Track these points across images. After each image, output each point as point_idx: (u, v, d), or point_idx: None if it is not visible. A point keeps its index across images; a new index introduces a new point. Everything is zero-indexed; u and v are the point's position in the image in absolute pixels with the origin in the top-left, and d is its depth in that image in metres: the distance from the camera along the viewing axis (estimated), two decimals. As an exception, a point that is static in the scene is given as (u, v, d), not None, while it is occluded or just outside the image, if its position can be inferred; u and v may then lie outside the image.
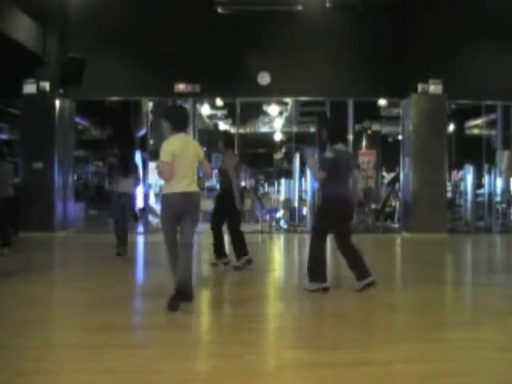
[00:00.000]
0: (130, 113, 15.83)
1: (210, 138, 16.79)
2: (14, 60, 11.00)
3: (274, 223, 13.24)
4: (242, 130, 15.09)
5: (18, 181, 11.53)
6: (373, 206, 13.54)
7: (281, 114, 17.26)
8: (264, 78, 12.19)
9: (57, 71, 11.74)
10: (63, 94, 11.98)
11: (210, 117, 17.42)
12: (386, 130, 16.55)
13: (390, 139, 17.00)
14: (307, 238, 7.49)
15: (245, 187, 17.24)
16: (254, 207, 14.46)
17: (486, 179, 13.77)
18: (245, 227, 12.66)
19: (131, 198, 8.80)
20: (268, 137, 19.45)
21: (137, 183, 8.76)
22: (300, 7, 11.99)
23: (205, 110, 16.07)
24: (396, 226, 13.34)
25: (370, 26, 12.14)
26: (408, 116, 12.10)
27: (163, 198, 5.11)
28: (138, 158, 14.95)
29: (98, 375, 3.38)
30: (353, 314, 5.13)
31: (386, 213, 13.61)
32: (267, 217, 13.40)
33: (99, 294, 5.76)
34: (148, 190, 13.67)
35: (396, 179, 14.67)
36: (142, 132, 15.37)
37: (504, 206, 13.64)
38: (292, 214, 13.60)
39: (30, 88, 11.63)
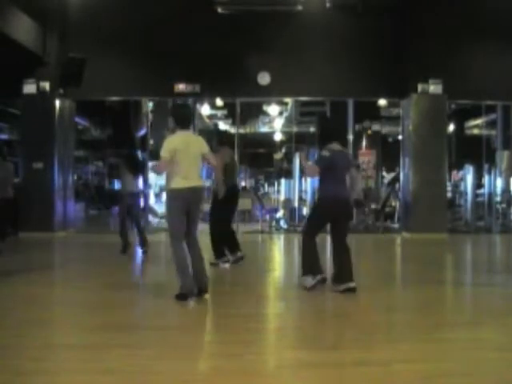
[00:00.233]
0: (130, 113, 15.84)
1: (210, 138, 16.77)
2: (14, 60, 11.00)
3: (273, 223, 13.24)
4: (242, 130, 15.09)
5: (17, 181, 11.54)
6: (373, 206, 13.55)
7: (281, 114, 17.27)
8: (264, 78, 12.19)
9: (57, 71, 11.74)
10: (63, 94, 11.98)
11: (210, 117, 17.41)
12: (385, 130, 16.55)
13: (390, 139, 16.99)
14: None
15: (245, 187, 17.30)
16: (254, 207, 14.47)
17: (486, 179, 13.77)
18: (245, 227, 12.79)
19: (140, 197, 8.89)
20: (268, 137, 19.45)
21: (145, 182, 8.87)
22: (300, 7, 11.99)
23: (205, 110, 16.07)
24: (396, 225, 13.34)
25: (370, 26, 12.14)
26: (408, 116, 12.10)
27: (171, 193, 5.34)
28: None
29: (98, 375, 3.38)
30: (353, 313, 5.13)
31: (385, 213, 13.60)
32: (267, 217, 13.41)
33: (99, 294, 5.76)
34: (148, 189, 13.67)
35: (396, 179, 14.67)
36: (142, 132, 15.37)
37: (504, 205, 13.64)
38: (292, 214, 13.60)
39: (29, 88, 11.63)
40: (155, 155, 12.95)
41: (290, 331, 4.56)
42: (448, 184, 13.61)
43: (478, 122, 15.64)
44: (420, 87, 11.84)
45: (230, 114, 16.28)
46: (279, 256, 10.14)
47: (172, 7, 11.82)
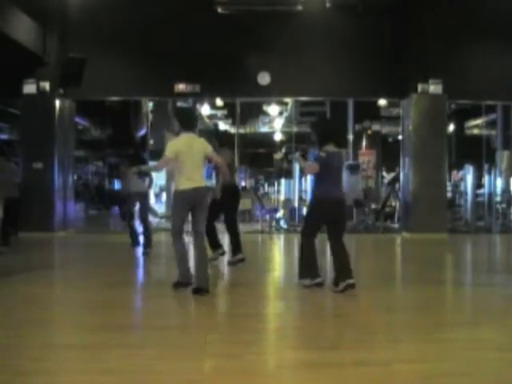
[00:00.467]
0: (130, 113, 15.85)
1: (210, 139, 16.78)
2: (14, 60, 11.00)
3: (274, 223, 13.24)
4: (242, 130, 15.10)
5: (18, 181, 11.52)
6: (373, 206, 13.55)
7: (281, 114, 17.29)
8: (264, 78, 12.19)
9: (57, 71, 11.73)
10: (63, 94, 11.98)
11: (210, 117, 17.43)
12: (386, 130, 16.57)
13: (390, 139, 17.01)
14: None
15: (245, 187, 17.31)
16: (254, 207, 14.47)
17: (486, 179, 13.77)
18: (245, 227, 12.78)
19: (146, 197, 8.88)
20: (268, 137, 19.46)
21: (151, 182, 8.85)
22: (300, 7, 11.98)
23: (205, 110, 16.08)
24: (396, 225, 13.34)
25: (370, 26, 12.14)
26: (408, 116, 12.10)
27: (177, 194, 5.65)
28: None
29: (98, 375, 3.38)
30: (353, 313, 5.12)
31: (386, 213, 13.61)
32: (267, 217, 13.40)
33: (99, 294, 5.76)
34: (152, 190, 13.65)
35: (396, 179, 14.67)
36: (142, 132, 15.38)
37: (504, 205, 13.63)
38: (292, 214, 13.61)
39: (29, 88, 11.62)
40: (155, 155, 13.01)
41: (290, 331, 4.56)
42: (448, 184, 13.62)
43: (478, 121, 15.65)
44: (420, 87, 11.83)
45: (230, 114, 16.30)
46: (279, 256, 10.14)
47: (172, 7, 11.82)
